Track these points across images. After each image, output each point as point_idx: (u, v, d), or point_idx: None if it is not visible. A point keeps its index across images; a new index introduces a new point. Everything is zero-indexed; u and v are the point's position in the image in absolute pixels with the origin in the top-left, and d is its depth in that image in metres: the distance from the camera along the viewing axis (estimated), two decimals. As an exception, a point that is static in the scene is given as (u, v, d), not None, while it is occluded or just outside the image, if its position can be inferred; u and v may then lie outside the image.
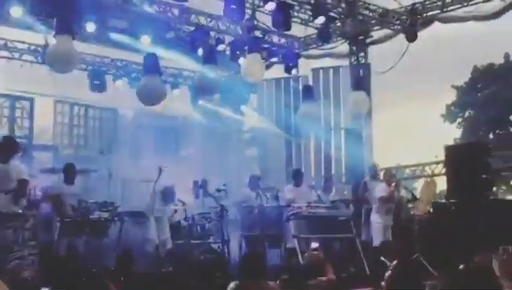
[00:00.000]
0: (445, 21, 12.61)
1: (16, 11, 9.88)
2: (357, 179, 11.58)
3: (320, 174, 13.57)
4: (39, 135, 13.64)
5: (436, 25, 12.76)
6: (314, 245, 6.04)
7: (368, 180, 10.48)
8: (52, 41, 10.30)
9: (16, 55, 12.47)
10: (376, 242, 9.36)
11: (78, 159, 11.76)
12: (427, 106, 15.36)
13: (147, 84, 11.29)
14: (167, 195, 9.75)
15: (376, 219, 9.48)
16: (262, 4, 11.10)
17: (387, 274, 4.33)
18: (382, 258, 8.39)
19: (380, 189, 9.69)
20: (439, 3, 12.45)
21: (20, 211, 6.40)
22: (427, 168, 14.63)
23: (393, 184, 9.86)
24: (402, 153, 15.02)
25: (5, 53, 12.31)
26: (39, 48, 12.34)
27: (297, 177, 10.36)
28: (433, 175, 14.28)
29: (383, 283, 4.31)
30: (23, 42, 12.38)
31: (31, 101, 13.73)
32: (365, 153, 13.37)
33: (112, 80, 13.67)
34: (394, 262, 6.16)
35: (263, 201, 9.85)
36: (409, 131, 14.46)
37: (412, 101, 14.88)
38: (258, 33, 12.09)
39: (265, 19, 11.89)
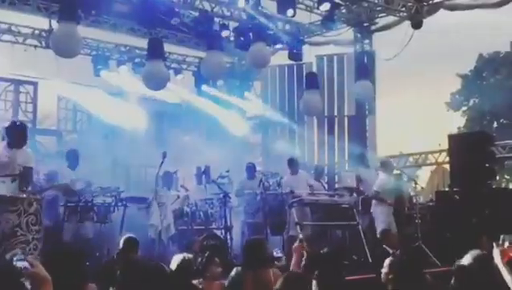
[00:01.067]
0: (451, 8, 12.54)
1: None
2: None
3: (323, 162, 13.58)
4: (42, 120, 13.66)
5: (442, 12, 12.68)
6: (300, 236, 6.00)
7: (361, 170, 10.45)
8: (56, 25, 10.27)
9: (20, 39, 12.42)
10: (379, 231, 9.36)
11: (82, 144, 11.76)
12: (431, 94, 15.32)
13: (151, 69, 11.27)
14: (170, 180, 9.78)
15: (376, 209, 9.46)
16: (266, -10, 11.04)
17: (387, 261, 4.33)
18: (384, 246, 8.44)
19: (379, 183, 9.55)
20: (445, -10, 12.38)
21: (24, 195, 6.40)
22: (430, 157, 14.60)
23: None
24: (405, 141, 14.97)
25: (9, 37, 12.26)
26: (43, 33, 12.30)
27: (292, 166, 10.37)
28: (437, 163, 14.26)
29: (384, 270, 4.30)
30: (27, 26, 12.33)
31: (35, 85, 13.71)
32: (368, 141, 13.39)
33: (116, 65, 13.62)
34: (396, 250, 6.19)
35: (264, 188, 9.86)
36: (413, 119, 14.40)
37: (416, 88, 14.84)
38: (262, 19, 12.01)
39: (269, 5, 11.83)
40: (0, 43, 11.92)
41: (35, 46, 12.51)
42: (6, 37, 12.21)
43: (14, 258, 4.09)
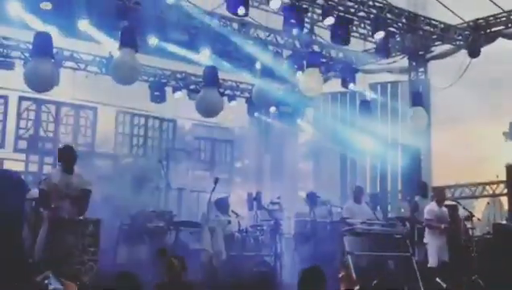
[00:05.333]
0: (510, 37, 12.26)
1: (83, 25, 10.29)
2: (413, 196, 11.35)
3: (375, 190, 13.39)
4: (101, 144, 14.07)
5: (500, 41, 12.43)
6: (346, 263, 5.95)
7: (418, 199, 10.23)
8: (116, 53, 10.65)
9: (82, 66, 12.92)
10: (431, 262, 9.12)
11: (137, 168, 12.06)
12: (488, 124, 14.86)
13: (206, 96, 11.50)
14: (222, 206, 9.86)
15: (429, 239, 9.24)
16: (321, 18, 11.11)
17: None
18: (438, 280, 8.21)
19: (428, 211, 9.40)
20: (504, 19, 12.15)
21: (81, 217, 6.60)
22: (487, 188, 14.17)
23: (443, 205, 9.59)
24: (462, 171, 14.56)
25: (71, 64, 12.78)
26: (103, 60, 12.76)
27: (357, 194, 10.25)
28: (494, 195, 13.83)
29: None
30: (89, 53, 12.82)
31: (95, 110, 14.19)
32: (423, 170, 13.12)
33: (171, 91, 13.95)
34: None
35: (317, 216, 9.82)
36: (470, 149, 14.02)
37: (473, 118, 14.43)
38: (316, 47, 12.09)
39: (323, 33, 11.90)
40: (63, 69, 12.40)
41: (96, 72, 12.98)
42: (69, 63, 12.72)
43: (46, 281, 4.31)
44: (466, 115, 14.73)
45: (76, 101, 13.64)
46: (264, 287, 5.64)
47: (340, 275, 5.38)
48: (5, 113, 13.27)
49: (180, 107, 14.05)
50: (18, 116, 13.51)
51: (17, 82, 11.30)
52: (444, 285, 6.53)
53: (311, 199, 10.44)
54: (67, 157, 6.87)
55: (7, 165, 12.34)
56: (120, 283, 4.11)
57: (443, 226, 9.13)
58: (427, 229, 9.32)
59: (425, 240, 9.31)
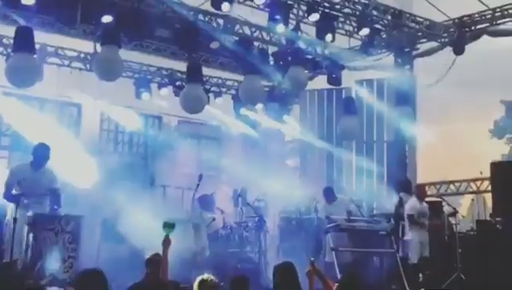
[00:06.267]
0: (494, 34, 12.32)
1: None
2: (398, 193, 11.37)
3: (361, 188, 13.41)
4: (85, 141, 13.93)
5: (485, 38, 12.48)
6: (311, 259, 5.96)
7: (403, 195, 10.27)
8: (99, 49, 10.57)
9: (66, 62, 12.79)
10: (412, 258, 9.16)
11: (122, 165, 11.96)
12: (474, 121, 14.96)
13: (190, 92, 11.45)
14: (206, 203, 9.84)
15: (410, 235, 9.29)
16: (306, 15, 11.10)
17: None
18: (421, 275, 8.24)
19: (409, 206, 9.47)
20: (489, 16, 12.20)
21: (62, 214, 6.55)
22: (472, 184, 14.27)
23: (424, 201, 9.65)
24: (447, 168, 14.65)
25: (55, 60, 12.65)
26: (88, 56, 12.64)
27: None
28: (478, 191, 13.92)
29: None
30: (73, 49, 12.70)
31: (79, 107, 14.05)
32: (408, 167, 13.15)
33: (157, 87, 13.87)
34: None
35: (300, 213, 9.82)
36: (455, 146, 14.12)
37: (459, 115, 14.52)
38: (301, 44, 12.07)
39: (309, 30, 11.88)
40: (47, 65, 12.26)
41: (80, 69, 12.86)
42: (53, 60, 12.59)
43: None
44: (452, 113, 14.81)
45: (61, 97, 13.48)
46: (246, 283, 5.60)
47: (307, 270, 5.48)
48: (-14, 110, 13.09)
49: (166, 104, 13.96)
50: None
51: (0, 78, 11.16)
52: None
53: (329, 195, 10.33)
54: (38, 155, 6.91)
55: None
56: (83, 280, 4.09)
57: (427, 223, 9.18)
58: (408, 226, 9.37)
59: (406, 237, 9.36)
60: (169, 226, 5.86)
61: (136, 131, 14.09)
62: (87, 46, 12.20)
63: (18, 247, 6.32)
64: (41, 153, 7.05)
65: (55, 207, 6.58)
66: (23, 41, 9.68)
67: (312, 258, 5.88)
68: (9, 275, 5.57)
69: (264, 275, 9.16)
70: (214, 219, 10.08)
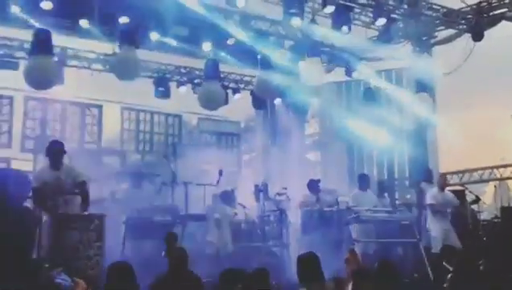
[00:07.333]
0: (513, 19, 12.15)
1: (84, 23, 10.36)
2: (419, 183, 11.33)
3: (382, 178, 13.37)
4: (107, 141, 14.15)
5: (504, 23, 12.32)
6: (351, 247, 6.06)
7: (424, 185, 10.21)
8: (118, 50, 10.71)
9: (86, 64, 12.98)
10: (434, 247, 9.13)
11: (144, 163, 12.14)
12: (495, 107, 14.78)
13: (208, 89, 11.52)
14: (228, 198, 9.90)
15: (431, 225, 9.25)
16: (321, 7, 11.08)
17: (449, 277, 4.29)
18: (445, 264, 8.19)
19: (430, 196, 9.42)
20: (507, 1, 12.03)
21: (86, 213, 6.67)
22: (496, 171, 14.11)
23: (446, 189, 9.59)
24: (470, 156, 14.50)
25: (75, 62, 12.84)
26: (107, 57, 12.80)
27: (362, 181, 10.25)
28: (502, 178, 13.77)
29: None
30: (93, 51, 12.87)
31: (100, 108, 14.26)
32: (429, 156, 13.08)
33: (176, 86, 13.98)
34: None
35: (323, 205, 9.82)
36: (477, 134, 13.96)
37: (479, 102, 14.35)
38: (317, 37, 12.06)
39: (326, 23, 11.86)
40: (67, 68, 12.46)
41: (100, 70, 13.03)
42: (73, 62, 12.78)
43: (57, 276, 4.51)
44: (472, 100, 14.64)
45: (82, 99, 13.71)
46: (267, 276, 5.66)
47: (346, 258, 5.52)
48: (11, 114, 13.38)
49: (186, 102, 14.08)
50: (25, 116, 13.63)
51: (22, 82, 11.37)
52: (451, 268, 6.52)
53: (313, 186, 10.41)
54: (53, 152, 6.92)
55: (14, 165, 12.46)
56: (111, 272, 4.24)
57: (448, 211, 9.14)
58: (429, 215, 9.33)
59: (428, 226, 9.32)
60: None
61: (157, 130, 14.25)
62: (106, 48, 12.37)
63: (45, 247, 6.46)
64: (56, 150, 7.05)
65: (85, 208, 6.66)
66: (41, 43, 9.83)
67: (352, 247, 5.93)
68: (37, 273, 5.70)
69: (287, 268, 9.20)
70: (236, 214, 10.12)
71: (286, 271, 9.01)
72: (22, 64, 12.04)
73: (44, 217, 6.61)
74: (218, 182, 8.97)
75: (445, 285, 4.32)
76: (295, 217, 10.49)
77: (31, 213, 6.65)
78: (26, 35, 11.53)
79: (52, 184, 6.72)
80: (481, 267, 6.28)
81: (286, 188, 11.18)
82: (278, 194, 11.03)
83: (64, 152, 7.07)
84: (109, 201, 9.34)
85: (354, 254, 5.65)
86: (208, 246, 8.83)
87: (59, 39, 10.88)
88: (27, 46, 11.84)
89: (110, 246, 7.82)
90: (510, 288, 4.31)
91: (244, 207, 10.88)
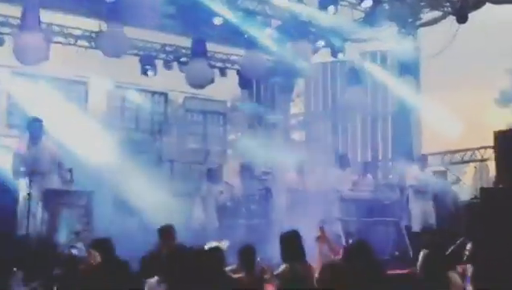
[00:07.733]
0: (497, 2, 12.28)
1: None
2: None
3: (366, 158, 13.56)
4: (92, 118, 14.07)
5: (489, 7, 12.44)
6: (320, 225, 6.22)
7: (406, 165, 10.41)
8: (105, 27, 10.67)
9: (71, 40, 12.88)
10: (415, 227, 9.36)
11: (129, 141, 12.14)
12: (479, 91, 14.98)
13: (194, 67, 11.55)
14: (213, 176, 10.01)
15: (412, 204, 9.46)
16: (308, -12, 11.12)
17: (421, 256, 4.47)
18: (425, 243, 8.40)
19: (412, 176, 9.61)
20: (491, -16, 12.15)
21: (73, 189, 6.74)
22: (477, 153, 14.34)
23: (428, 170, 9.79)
24: (452, 138, 14.71)
25: (60, 39, 12.74)
26: (93, 34, 12.72)
27: (342, 162, 10.42)
28: (482, 160, 14.00)
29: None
30: (78, 28, 12.77)
31: (85, 85, 14.18)
32: (413, 138, 13.27)
33: (162, 64, 13.94)
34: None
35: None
36: (460, 116, 14.16)
37: (463, 85, 14.54)
38: (304, 17, 12.09)
39: (312, 2, 11.90)
40: (53, 44, 12.34)
41: (86, 47, 12.95)
42: (58, 38, 12.67)
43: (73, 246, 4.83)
44: (456, 82, 14.82)
45: (67, 75, 13.60)
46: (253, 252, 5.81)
47: (317, 236, 5.71)
48: (-5, 89, 13.25)
49: (172, 80, 14.05)
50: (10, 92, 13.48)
51: (8, 58, 11.27)
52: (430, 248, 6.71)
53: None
54: (33, 129, 6.98)
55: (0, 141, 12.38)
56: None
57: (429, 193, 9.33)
58: (410, 195, 9.54)
59: (409, 205, 9.53)
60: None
61: (142, 108, 14.23)
62: (92, 24, 12.29)
63: (33, 222, 6.53)
64: (35, 127, 7.12)
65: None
66: (29, 20, 9.77)
67: (321, 225, 6.08)
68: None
69: (271, 245, 9.36)
70: (222, 192, 10.25)
71: (270, 248, 9.19)
72: (8, 40, 11.94)
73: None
74: (205, 161, 9.06)
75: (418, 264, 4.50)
76: (279, 196, 10.64)
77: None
78: (14, 11, 11.42)
79: (30, 159, 6.75)
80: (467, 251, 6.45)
81: (271, 168, 11.34)
82: (264, 173, 11.18)
83: (43, 131, 7.14)
84: (95, 178, 9.35)
85: (324, 233, 5.85)
86: (193, 222, 8.96)
87: (44, 15, 10.77)
88: (13, 22, 11.76)
89: (96, 221, 7.93)
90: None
91: (229, 185, 11.02)
